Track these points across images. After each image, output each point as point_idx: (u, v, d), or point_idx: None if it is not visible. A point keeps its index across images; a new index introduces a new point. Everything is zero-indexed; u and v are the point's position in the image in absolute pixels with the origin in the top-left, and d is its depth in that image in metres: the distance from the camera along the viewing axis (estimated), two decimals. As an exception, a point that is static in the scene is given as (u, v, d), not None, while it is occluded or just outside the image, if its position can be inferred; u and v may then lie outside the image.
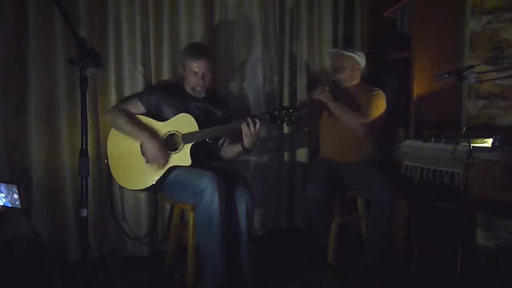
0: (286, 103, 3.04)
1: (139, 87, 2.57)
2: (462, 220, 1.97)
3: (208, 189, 2.10)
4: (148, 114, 2.38)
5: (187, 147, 2.30)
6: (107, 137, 2.43)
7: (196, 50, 2.39)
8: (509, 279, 2.33)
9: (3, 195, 2.10)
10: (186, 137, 2.30)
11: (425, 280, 2.43)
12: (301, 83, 3.09)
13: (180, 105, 2.39)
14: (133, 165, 2.31)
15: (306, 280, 2.47)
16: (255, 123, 2.26)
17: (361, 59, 2.73)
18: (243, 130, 2.27)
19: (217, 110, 2.51)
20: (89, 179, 1.62)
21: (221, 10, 2.82)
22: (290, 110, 2.32)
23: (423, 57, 2.68)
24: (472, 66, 1.96)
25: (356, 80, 2.77)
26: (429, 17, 2.71)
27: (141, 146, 2.30)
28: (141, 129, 2.29)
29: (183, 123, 2.33)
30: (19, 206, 2.03)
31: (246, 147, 2.34)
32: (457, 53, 2.83)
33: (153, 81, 2.64)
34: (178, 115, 2.34)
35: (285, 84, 3.06)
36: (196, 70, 2.36)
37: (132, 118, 2.32)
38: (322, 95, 2.61)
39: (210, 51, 2.49)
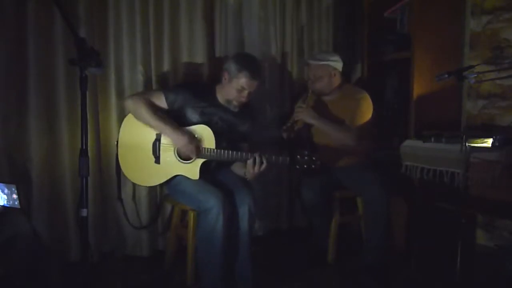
0: (287, 103, 3.05)
1: (139, 87, 2.57)
2: (462, 220, 1.97)
3: (214, 209, 2.08)
4: (169, 112, 2.29)
5: (199, 161, 2.25)
6: (107, 136, 2.42)
7: (255, 70, 2.28)
8: (509, 279, 2.33)
9: (4, 196, 2.10)
10: (201, 152, 2.25)
11: (425, 280, 2.43)
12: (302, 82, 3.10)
13: (206, 112, 2.31)
14: (140, 161, 2.29)
15: (306, 280, 2.47)
16: (261, 164, 2.19)
17: (336, 63, 2.66)
18: (247, 165, 2.21)
19: (242, 124, 2.42)
20: (89, 179, 1.62)
21: (221, 11, 2.82)
22: (313, 158, 2.22)
23: (423, 57, 2.68)
24: (472, 66, 1.96)
25: (336, 84, 2.69)
26: (429, 17, 2.71)
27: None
28: (166, 123, 2.20)
29: (202, 135, 2.25)
30: (18, 206, 2.03)
31: (246, 178, 2.30)
32: (457, 53, 2.83)
33: (153, 81, 2.63)
34: (199, 126, 2.26)
35: (286, 84, 3.06)
36: (245, 87, 2.26)
37: (155, 109, 2.23)
38: (304, 114, 2.55)
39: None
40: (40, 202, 2.36)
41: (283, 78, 3.06)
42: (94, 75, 2.40)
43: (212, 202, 2.10)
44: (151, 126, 2.23)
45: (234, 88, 2.27)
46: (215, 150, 2.23)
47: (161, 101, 2.28)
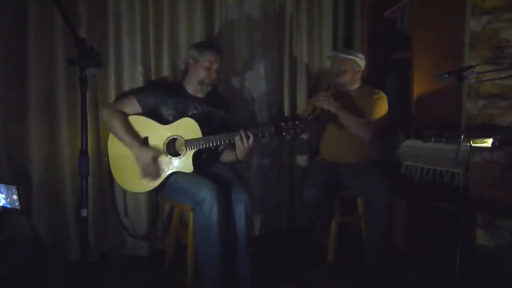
0: (286, 102, 3.04)
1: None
2: (462, 220, 1.97)
3: (207, 199, 2.09)
4: (145, 114, 2.34)
5: (190, 153, 2.27)
6: (107, 136, 2.42)
7: (213, 46, 2.47)
8: (509, 279, 2.33)
9: (3, 196, 2.10)
10: (189, 143, 2.27)
11: (425, 280, 2.43)
12: (301, 82, 3.09)
13: (180, 107, 2.37)
14: (133, 168, 2.28)
15: (306, 280, 2.47)
16: (248, 137, 2.21)
17: (361, 60, 2.72)
18: (236, 143, 2.23)
19: (218, 110, 2.49)
20: (89, 179, 1.62)
21: (221, 11, 2.82)
22: (296, 123, 2.23)
23: (423, 57, 2.68)
24: (472, 66, 1.96)
25: (357, 83, 2.75)
26: (429, 17, 2.71)
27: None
28: (134, 139, 2.25)
29: (187, 128, 2.29)
30: (18, 207, 2.03)
31: (239, 159, 2.31)
32: (457, 53, 2.83)
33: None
34: (182, 119, 2.31)
35: (285, 84, 3.05)
36: (212, 62, 2.37)
37: (126, 123, 2.29)
38: (325, 102, 2.56)
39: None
40: (40, 202, 2.36)
41: (282, 78, 3.06)
42: (94, 75, 2.40)
43: (205, 193, 2.11)
44: (120, 139, 2.28)
45: (202, 67, 2.38)
46: (202, 138, 2.26)
47: (135, 105, 2.35)
